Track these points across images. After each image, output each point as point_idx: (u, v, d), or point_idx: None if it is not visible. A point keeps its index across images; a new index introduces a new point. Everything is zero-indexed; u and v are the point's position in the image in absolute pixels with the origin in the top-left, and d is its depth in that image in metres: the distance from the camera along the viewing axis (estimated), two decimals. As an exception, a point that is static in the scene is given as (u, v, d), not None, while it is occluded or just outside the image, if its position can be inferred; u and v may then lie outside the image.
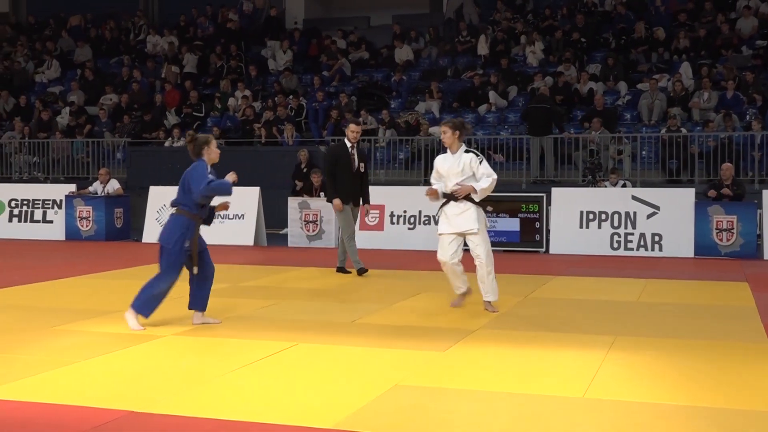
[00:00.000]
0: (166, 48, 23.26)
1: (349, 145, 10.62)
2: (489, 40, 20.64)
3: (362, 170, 10.71)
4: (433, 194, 7.93)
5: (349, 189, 10.54)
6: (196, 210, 7.02)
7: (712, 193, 13.31)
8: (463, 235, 7.74)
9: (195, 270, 7.06)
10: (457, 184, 7.68)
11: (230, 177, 7.10)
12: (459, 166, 7.70)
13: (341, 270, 10.80)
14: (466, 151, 7.76)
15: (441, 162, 7.88)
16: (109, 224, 15.98)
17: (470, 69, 20.30)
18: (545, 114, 16.41)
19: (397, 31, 22.23)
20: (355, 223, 10.84)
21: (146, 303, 7.00)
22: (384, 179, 17.16)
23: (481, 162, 7.69)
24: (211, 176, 6.97)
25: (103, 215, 15.92)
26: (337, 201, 10.49)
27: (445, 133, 7.79)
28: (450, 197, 7.79)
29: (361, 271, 10.53)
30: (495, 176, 7.71)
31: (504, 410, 4.81)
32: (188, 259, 7.03)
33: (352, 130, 10.63)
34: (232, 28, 23.58)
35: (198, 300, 7.27)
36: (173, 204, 7.13)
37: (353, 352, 6.29)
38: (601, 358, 6.04)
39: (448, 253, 7.76)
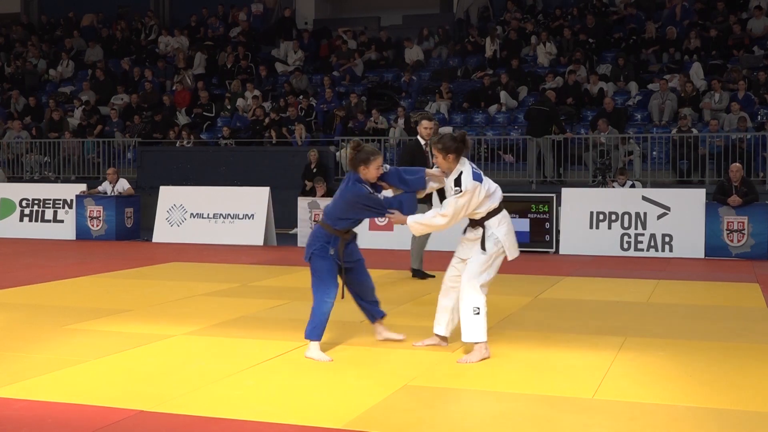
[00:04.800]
0: (177, 46, 23.33)
1: (423, 142, 9.94)
2: (498, 41, 20.60)
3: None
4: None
5: None
6: (338, 225, 6.17)
7: (732, 200, 13.03)
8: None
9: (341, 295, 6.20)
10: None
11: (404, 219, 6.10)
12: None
13: (419, 273, 10.27)
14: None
15: None
16: (119, 224, 16.03)
17: (480, 69, 20.29)
18: (544, 116, 16.37)
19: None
20: None
21: (318, 327, 6.15)
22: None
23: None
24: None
25: (114, 215, 15.97)
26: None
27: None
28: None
29: (417, 274, 10.20)
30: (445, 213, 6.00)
31: (513, 411, 4.81)
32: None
33: (425, 126, 9.90)
34: (242, 28, 23.66)
35: (367, 312, 6.61)
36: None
37: (363, 352, 6.29)
38: (611, 359, 6.03)
39: (447, 274, 6.35)
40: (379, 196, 6.17)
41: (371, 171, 6.05)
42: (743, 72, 17.74)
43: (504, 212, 6.16)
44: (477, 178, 5.99)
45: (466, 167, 6.02)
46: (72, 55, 24.42)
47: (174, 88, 21.73)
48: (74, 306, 8.30)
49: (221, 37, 23.85)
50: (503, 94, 18.77)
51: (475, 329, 5.95)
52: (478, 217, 6.08)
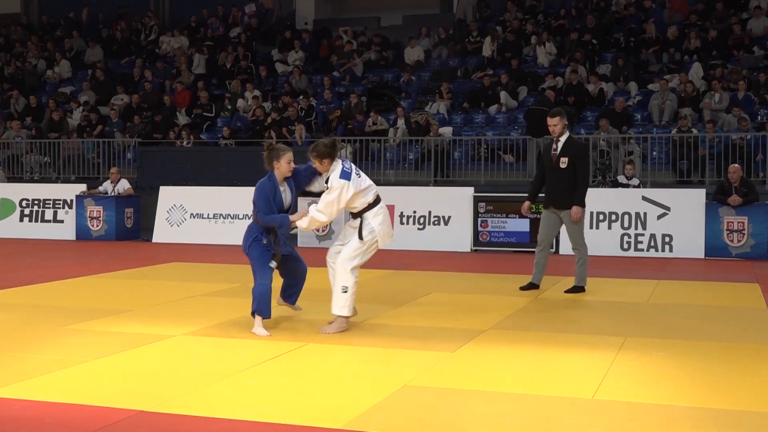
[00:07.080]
0: (177, 46, 23.31)
1: (554, 140, 9.21)
2: (496, 42, 20.59)
3: (563, 166, 8.95)
4: None
5: (550, 190, 9.11)
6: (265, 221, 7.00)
7: (732, 200, 13.05)
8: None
9: (273, 264, 6.97)
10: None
11: (298, 217, 6.95)
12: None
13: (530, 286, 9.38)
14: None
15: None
16: (119, 224, 16.04)
17: (480, 69, 20.28)
18: (543, 116, 16.35)
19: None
20: (558, 228, 9.30)
21: (261, 304, 6.87)
22: (394, 179, 17.16)
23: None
24: (277, 198, 6.95)
25: (114, 215, 15.98)
26: (524, 204, 9.42)
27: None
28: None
29: (530, 287, 9.29)
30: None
31: (513, 411, 4.81)
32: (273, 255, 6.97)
33: (548, 124, 9.09)
34: (242, 28, 23.65)
35: (285, 293, 7.47)
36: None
37: (363, 352, 6.29)
38: (611, 359, 6.03)
39: (328, 260, 7.14)
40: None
41: (283, 165, 6.90)
42: (743, 72, 17.74)
43: (381, 204, 6.98)
44: (344, 176, 6.76)
45: (337, 168, 6.81)
46: (71, 56, 24.40)
47: (174, 86, 21.72)
48: (74, 306, 8.30)
49: (221, 37, 23.85)
50: (503, 94, 18.76)
51: (341, 304, 6.85)
52: (355, 210, 6.92)
